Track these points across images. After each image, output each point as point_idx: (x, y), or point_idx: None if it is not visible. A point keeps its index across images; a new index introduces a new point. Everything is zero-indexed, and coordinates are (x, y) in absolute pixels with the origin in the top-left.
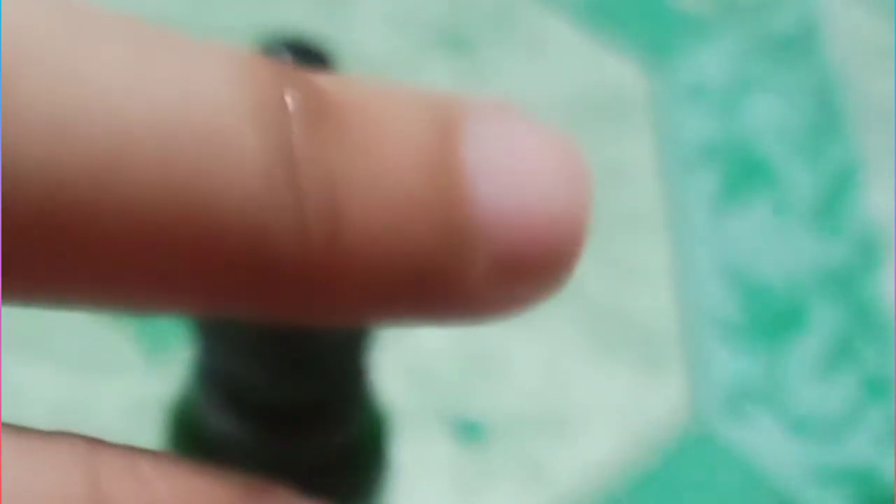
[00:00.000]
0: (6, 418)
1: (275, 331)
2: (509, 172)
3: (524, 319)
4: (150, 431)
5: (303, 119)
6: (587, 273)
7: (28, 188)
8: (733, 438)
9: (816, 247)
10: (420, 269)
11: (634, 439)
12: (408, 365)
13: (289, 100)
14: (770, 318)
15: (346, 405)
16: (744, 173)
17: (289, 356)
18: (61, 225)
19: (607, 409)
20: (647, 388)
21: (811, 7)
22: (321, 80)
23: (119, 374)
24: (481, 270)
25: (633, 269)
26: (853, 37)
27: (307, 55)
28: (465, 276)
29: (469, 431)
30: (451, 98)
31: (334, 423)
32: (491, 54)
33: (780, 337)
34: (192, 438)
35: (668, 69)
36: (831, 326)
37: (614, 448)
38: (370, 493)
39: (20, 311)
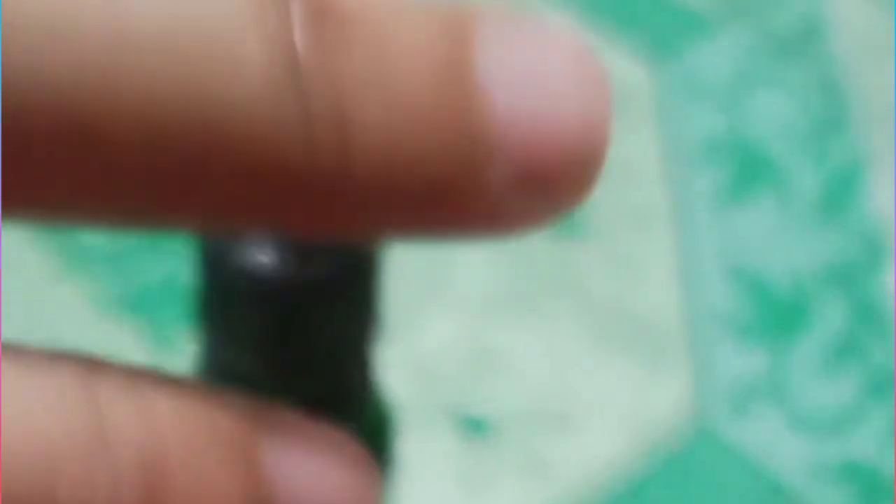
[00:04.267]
0: None
1: (280, 327)
2: (525, 78)
3: (528, 315)
4: None
5: (307, 22)
6: (591, 270)
7: (29, 96)
8: (737, 435)
9: (821, 243)
10: (434, 179)
11: (638, 435)
12: (412, 361)
13: (296, 3)
14: (774, 315)
15: (350, 401)
16: (748, 170)
17: (293, 353)
18: (64, 136)
19: (611, 405)
20: (651, 385)
21: (816, 3)
22: None
23: None
24: (499, 180)
25: (637, 265)
26: (858, 33)
27: None
28: (482, 186)
29: (473, 428)
30: (463, 5)
31: (338, 420)
32: None
33: (784, 334)
34: None
35: (673, 66)
36: (836, 323)
37: (618, 444)
38: None
39: (25, 305)
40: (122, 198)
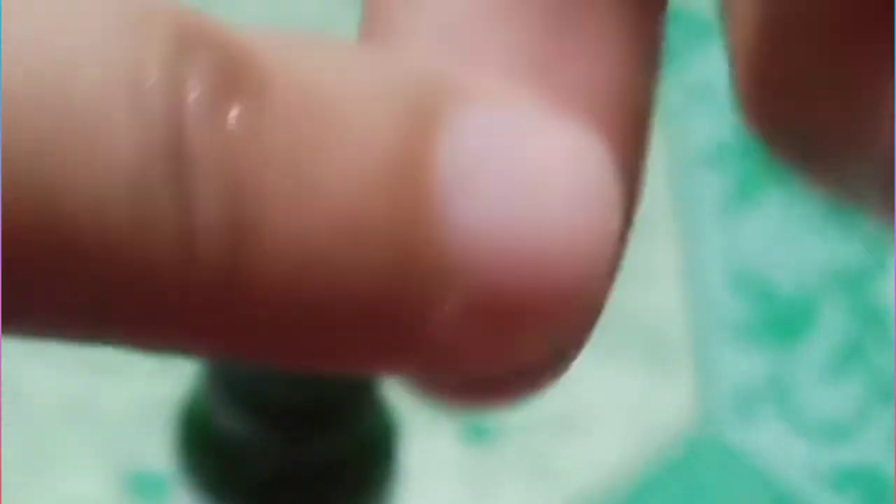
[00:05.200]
0: (17, 416)
1: None
2: (500, 184)
3: None
4: (161, 431)
5: (207, 97)
6: None
7: None
8: (741, 439)
9: (826, 249)
10: (365, 306)
11: (643, 440)
12: None
13: (193, 69)
14: (779, 320)
15: (356, 406)
16: (753, 175)
17: None
18: None
19: (616, 409)
20: (656, 389)
21: None
22: (254, 41)
23: (130, 373)
24: (451, 314)
25: (642, 270)
26: None
27: None
28: (427, 319)
29: (477, 432)
30: (436, 76)
31: (344, 425)
32: None
33: (789, 339)
34: (203, 438)
35: (678, 70)
36: (840, 328)
37: (623, 449)
38: (379, 494)
39: None
40: None
